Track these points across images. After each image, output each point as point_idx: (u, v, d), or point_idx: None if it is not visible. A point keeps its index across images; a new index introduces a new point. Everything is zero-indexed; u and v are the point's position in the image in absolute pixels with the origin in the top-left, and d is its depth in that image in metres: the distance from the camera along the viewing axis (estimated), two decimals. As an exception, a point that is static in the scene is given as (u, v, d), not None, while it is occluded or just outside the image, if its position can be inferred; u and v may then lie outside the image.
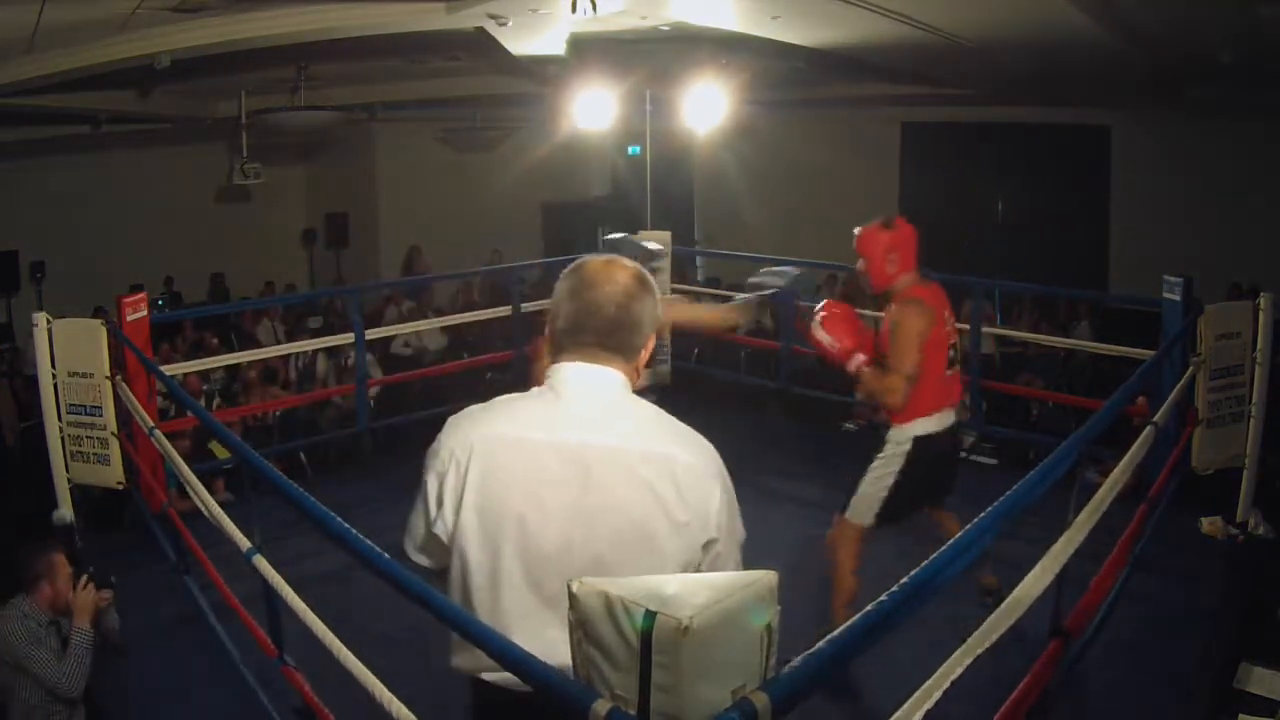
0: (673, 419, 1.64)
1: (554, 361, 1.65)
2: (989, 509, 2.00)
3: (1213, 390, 4.41)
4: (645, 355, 1.67)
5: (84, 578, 3.07)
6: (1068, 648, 2.68)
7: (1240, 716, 3.12)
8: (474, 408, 1.68)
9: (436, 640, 1.75)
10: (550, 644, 1.45)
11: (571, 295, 1.63)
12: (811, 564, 3.92)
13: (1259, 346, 4.45)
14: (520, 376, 6.98)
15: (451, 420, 1.67)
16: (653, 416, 1.63)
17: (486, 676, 1.60)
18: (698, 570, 1.57)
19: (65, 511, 3.32)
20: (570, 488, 1.54)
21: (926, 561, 1.66)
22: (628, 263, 1.66)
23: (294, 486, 2.41)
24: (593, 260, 1.67)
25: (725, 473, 1.62)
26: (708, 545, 1.58)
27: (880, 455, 3.54)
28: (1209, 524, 4.48)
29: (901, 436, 3.50)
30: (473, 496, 1.58)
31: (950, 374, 3.59)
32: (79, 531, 3.42)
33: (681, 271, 11.48)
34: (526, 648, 1.39)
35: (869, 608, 1.42)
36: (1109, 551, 3.12)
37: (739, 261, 11.80)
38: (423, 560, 1.72)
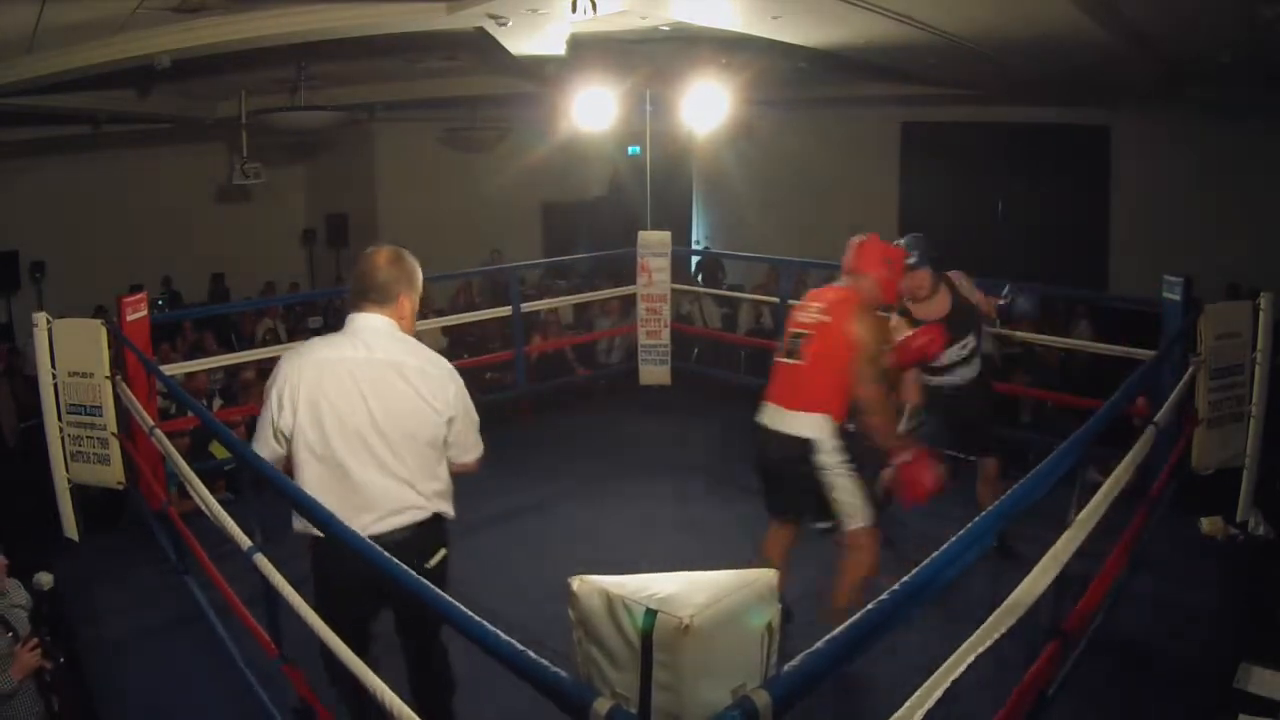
0: (423, 346, 2.61)
1: (349, 312, 2.61)
2: (989, 508, 2.00)
3: (1213, 390, 4.41)
4: (405, 304, 2.61)
5: (34, 640, 3.08)
6: (1067, 648, 2.68)
7: (1240, 716, 3.12)
8: (299, 344, 2.72)
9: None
10: (373, 481, 2.50)
11: (355, 268, 2.63)
12: (811, 564, 3.92)
13: (1259, 346, 4.45)
14: (520, 376, 7.00)
15: (285, 355, 2.63)
16: (405, 342, 2.59)
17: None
18: (445, 442, 2.57)
19: (44, 576, 3.35)
20: (358, 384, 2.50)
21: (926, 562, 1.66)
22: (388, 248, 2.64)
23: (294, 485, 2.41)
24: (371, 247, 2.66)
25: (458, 378, 2.61)
26: (450, 420, 2.56)
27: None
28: (1209, 524, 4.48)
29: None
30: (304, 396, 2.50)
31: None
32: (56, 593, 3.46)
33: (714, 274, 11.51)
34: (362, 479, 2.48)
35: (869, 607, 1.42)
36: (1109, 551, 3.12)
37: (739, 261, 11.85)
38: (265, 452, 2.55)
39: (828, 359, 3.41)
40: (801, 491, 3.51)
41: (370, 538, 2.19)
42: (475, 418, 2.66)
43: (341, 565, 2.45)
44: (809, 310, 3.53)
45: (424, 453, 2.54)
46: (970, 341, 4.32)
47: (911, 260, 4.07)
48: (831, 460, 3.41)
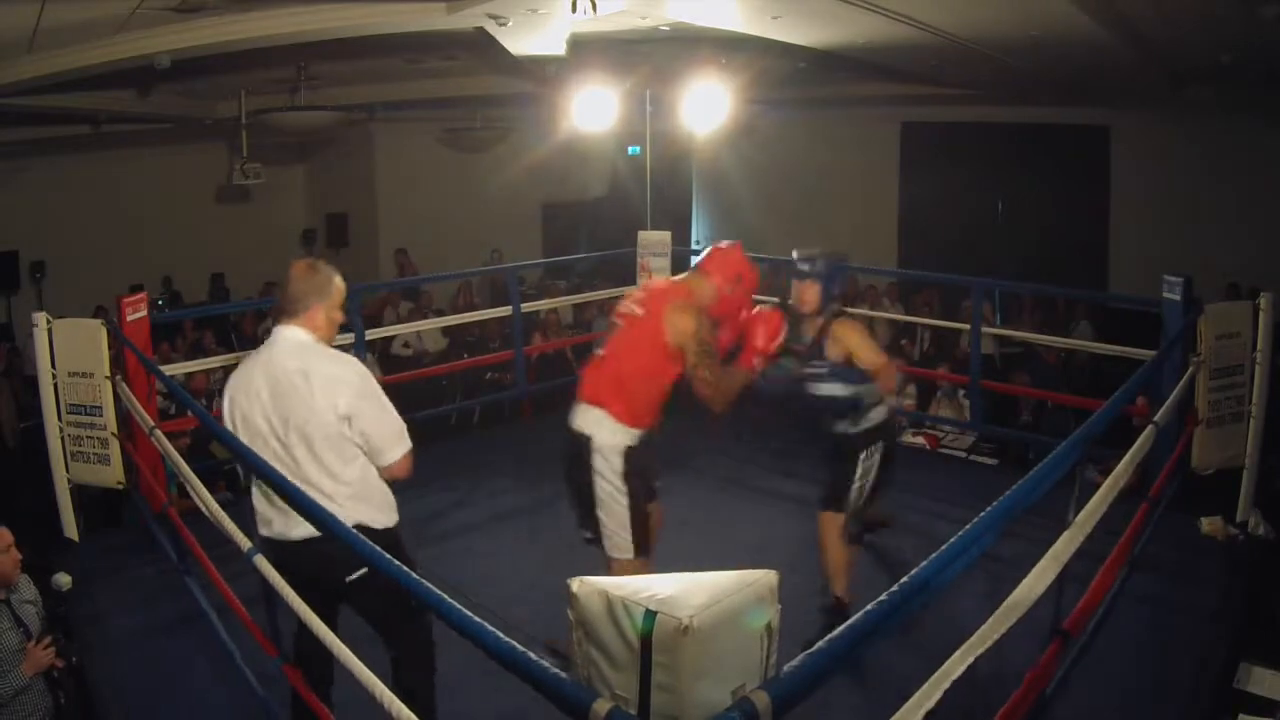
0: (331, 351, 2.74)
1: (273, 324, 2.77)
2: (989, 509, 2.00)
3: (1213, 390, 4.41)
4: (318, 313, 2.72)
5: (48, 639, 3.09)
6: (1068, 648, 2.68)
7: (1240, 716, 3.13)
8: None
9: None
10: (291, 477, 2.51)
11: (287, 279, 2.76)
12: (812, 564, 3.92)
13: (1259, 346, 4.45)
14: (521, 376, 7.00)
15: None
16: (313, 349, 2.70)
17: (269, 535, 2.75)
18: (348, 439, 2.64)
19: (63, 577, 3.35)
20: (263, 390, 2.66)
21: (926, 562, 1.66)
22: (305, 261, 2.79)
23: (293, 486, 2.41)
24: (294, 260, 2.83)
25: (362, 379, 2.68)
26: (348, 420, 2.63)
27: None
28: (1209, 524, 4.48)
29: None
30: (227, 402, 2.75)
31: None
32: (72, 598, 3.48)
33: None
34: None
35: (869, 607, 1.42)
36: (1109, 551, 3.12)
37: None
38: None
39: (627, 353, 3.20)
40: (577, 492, 3.27)
41: (294, 543, 2.58)
42: (390, 420, 2.72)
43: (297, 565, 2.64)
44: (627, 301, 3.34)
45: (322, 454, 2.62)
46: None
47: (804, 268, 3.69)
48: (605, 468, 3.15)
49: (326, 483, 2.64)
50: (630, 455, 3.20)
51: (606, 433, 3.18)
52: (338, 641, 2.28)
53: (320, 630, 2.33)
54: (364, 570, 2.54)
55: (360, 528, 2.50)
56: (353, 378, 2.67)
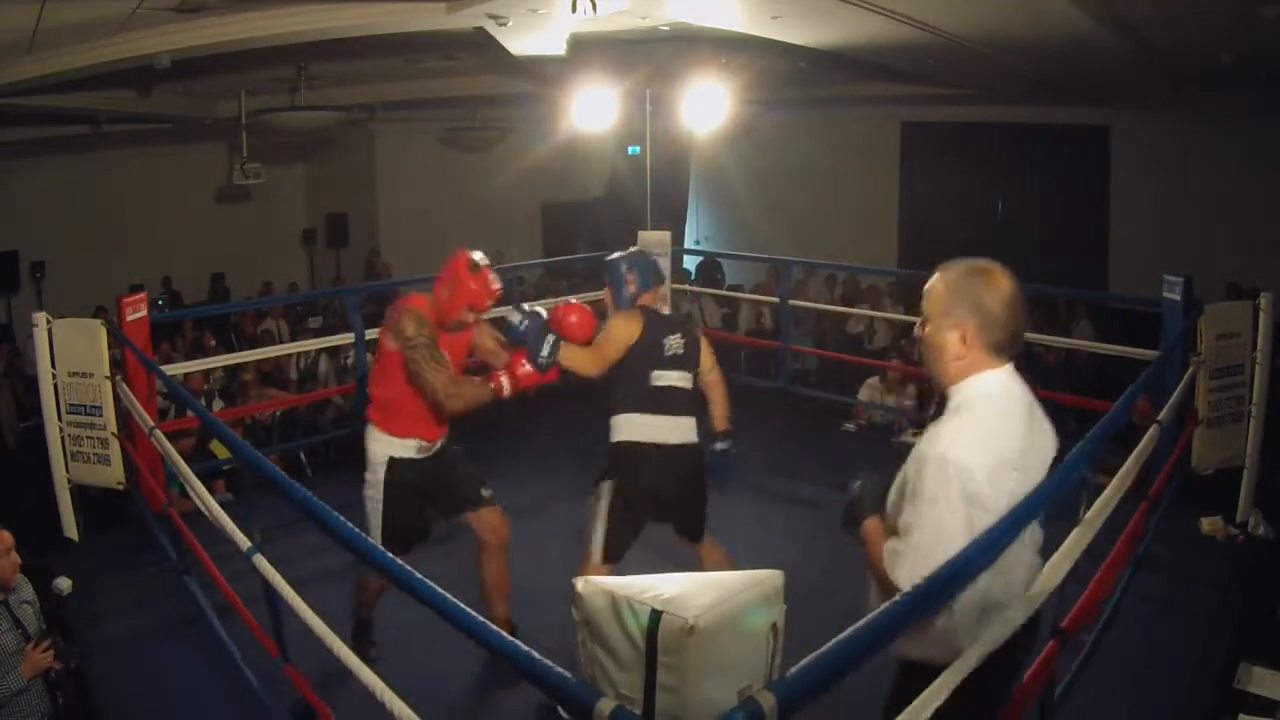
0: None
1: (984, 367, 1.90)
2: (1003, 517, 1.98)
3: (1213, 390, 4.41)
4: None
5: (46, 641, 3.09)
6: (1067, 647, 2.68)
7: (1240, 716, 3.12)
8: (967, 441, 1.87)
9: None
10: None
11: (1014, 308, 1.89)
12: (813, 564, 3.92)
13: (1259, 346, 4.45)
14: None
15: (967, 456, 1.84)
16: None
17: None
18: None
19: (64, 581, 3.36)
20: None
21: (937, 567, 1.65)
22: (1002, 269, 1.93)
23: (298, 487, 2.41)
24: (1001, 272, 1.92)
25: None
26: None
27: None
28: (1209, 524, 4.48)
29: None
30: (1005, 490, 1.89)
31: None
32: (71, 600, 3.49)
33: (712, 275, 11.49)
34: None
35: (883, 608, 1.41)
36: (1109, 551, 3.12)
37: (739, 261, 11.85)
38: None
39: (378, 371, 3.32)
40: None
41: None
42: None
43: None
44: None
45: None
46: None
47: (632, 290, 3.68)
48: (371, 480, 3.27)
49: None
50: (395, 465, 3.29)
51: (375, 445, 3.28)
52: (338, 641, 2.27)
53: (321, 630, 2.31)
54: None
55: None
56: None
